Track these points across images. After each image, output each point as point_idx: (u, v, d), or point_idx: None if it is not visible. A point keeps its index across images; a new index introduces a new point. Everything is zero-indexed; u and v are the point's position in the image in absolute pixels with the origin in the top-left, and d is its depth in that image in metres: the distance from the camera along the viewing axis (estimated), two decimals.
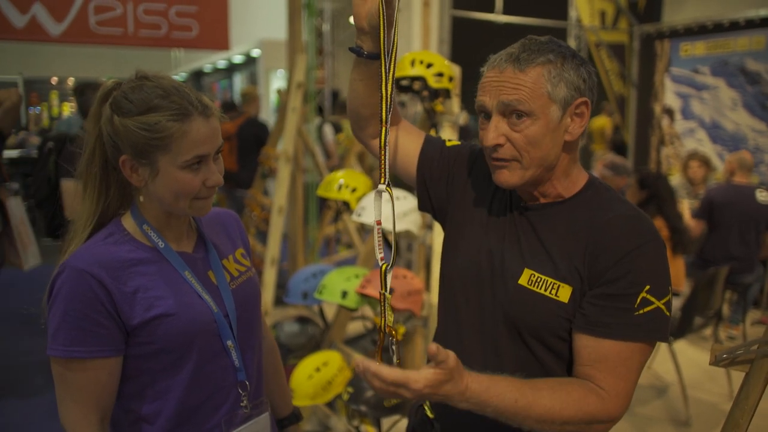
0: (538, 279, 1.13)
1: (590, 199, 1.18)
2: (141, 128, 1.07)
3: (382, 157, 1.09)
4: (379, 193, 1.10)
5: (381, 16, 1.09)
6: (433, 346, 0.97)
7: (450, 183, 1.33)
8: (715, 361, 1.37)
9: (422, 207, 1.41)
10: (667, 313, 1.10)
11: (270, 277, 3.73)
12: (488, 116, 1.14)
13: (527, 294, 1.14)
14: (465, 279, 1.24)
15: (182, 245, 1.22)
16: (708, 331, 4.27)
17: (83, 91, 3.60)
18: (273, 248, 3.76)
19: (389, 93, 1.09)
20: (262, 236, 4.06)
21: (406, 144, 1.37)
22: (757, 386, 1.25)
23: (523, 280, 1.15)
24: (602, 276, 1.09)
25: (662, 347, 3.87)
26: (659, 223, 3.59)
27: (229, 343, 1.20)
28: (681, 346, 4.09)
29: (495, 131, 1.12)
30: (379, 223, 1.11)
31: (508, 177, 1.15)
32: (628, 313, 1.07)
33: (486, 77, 1.14)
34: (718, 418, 2.88)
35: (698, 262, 4.36)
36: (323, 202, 4.73)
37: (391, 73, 1.10)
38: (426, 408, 1.30)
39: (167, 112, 1.08)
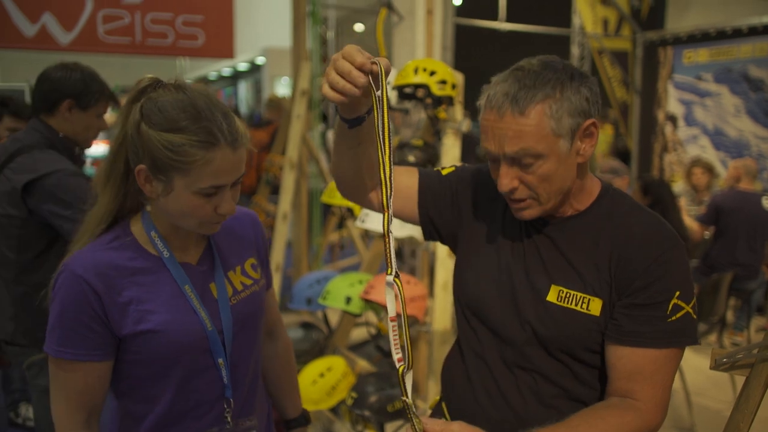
0: (568, 294, 1.12)
1: (608, 208, 1.17)
2: (164, 146, 1.03)
3: (387, 243, 0.97)
4: (390, 285, 0.97)
5: (375, 95, 0.97)
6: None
7: (456, 207, 1.30)
8: (715, 366, 1.38)
9: (428, 237, 1.36)
10: (695, 316, 1.10)
11: (274, 283, 3.75)
12: (495, 159, 1.12)
13: (558, 311, 1.13)
14: (485, 300, 1.21)
15: (188, 255, 1.19)
16: (712, 338, 4.26)
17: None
18: (277, 255, 3.78)
19: (388, 170, 0.96)
20: None
21: (403, 185, 1.30)
22: (757, 390, 1.26)
23: (551, 297, 1.13)
24: (631, 285, 1.09)
25: None
26: None
27: (220, 360, 1.18)
28: (685, 352, 4.07)
29: (507, 177, 1.10)
30: (393, 319, 0.98)
31: (528, 213, 1.14)
32: (661, 321, 1.07)
33: (485, 119, 1.10)
34: (722, 424, 2.87)
35: (702, 269, 4.36)
36: (327, 209, 4.75)
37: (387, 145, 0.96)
38: None
39: (194, 137, 1.03)
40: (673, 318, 1.08)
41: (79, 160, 2.04)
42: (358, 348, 3.76)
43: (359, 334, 3.70)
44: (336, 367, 2.71)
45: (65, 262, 1.11)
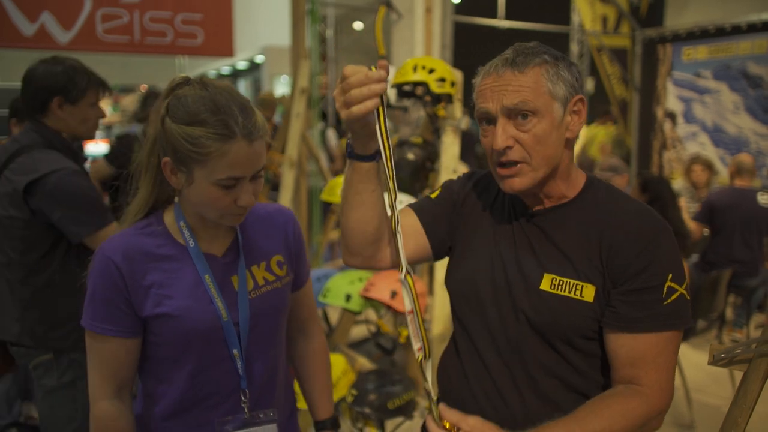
0: (561, 282, 1.14)
1: (594, 197, 1.20)
2: (184, 138, 1.10)
3: (397, 243, 1.12)
4: (403, 282, 1.11)
5: (381, 122, 1.05)
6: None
7: (453, 217, 1.32)
8: (713, 361, 1.39)
9: (440, 257, 1.35)
10: (688, 297, 1.13)
11: None
12: (491, 122, 1.14)
13: (552, 298, 1.14)
14: (479, 293, 1.23)
15: (213, 247, 1.24)
16: (711, 335, 4.27)
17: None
18: None
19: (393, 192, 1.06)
20: None
21: (407, 224, 1.28)
22: (755, 385, 1.27)
23: (545, 285, 1.15)
24: (624, 271, 1.10)
25: None
26: None
27: (235, 351, 1.22)
28: (684, 349, 4.09)
29: (503, 134, 1.12)
30: (410, 312, 1.10)
31: (518, 183, 1.15)
32: (657, 305, 1.09)
33: (483, 84, 1.15)
34: (721, 420, 2.88)
35: (701, 265, 4.37)
36: (327, 207, 4.75)
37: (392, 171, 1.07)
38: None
39: (211, 129, 1.09)
40: (669, 300, 1.09)
41: (80, 157, 2.03)
42: (358, 346, 3.76)
43: (359, 331, 3.71)
44: (336, 364, 2.72)
45: (102, 245, 1.19)
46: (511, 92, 1.11)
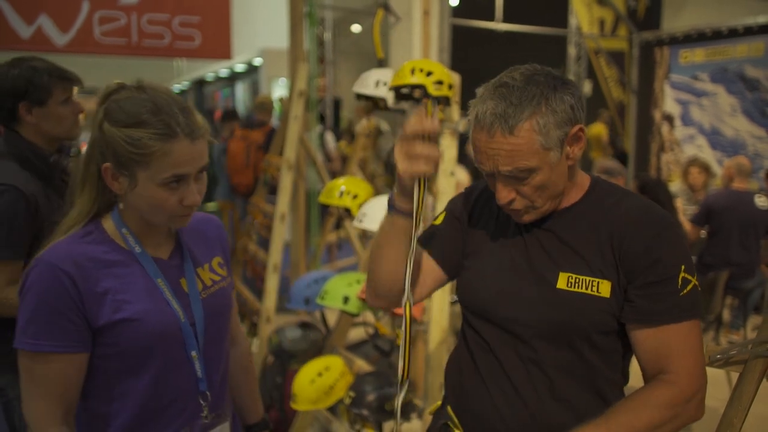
0: (577, 279, 1.16)
1: (600, 196, 1.22)
2: (125, 141, 1.09)
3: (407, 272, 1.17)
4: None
5: (420, 191, 1.13)
6: None
7: (461, 235, 1.33)
8: (710, 362, 1.39)
9: (456, 277, 1.38)
10: (699, 289, 1.15)
11: (272, 283, 3.76)
12: (491, 175, 1.17)
13: (570, 296, 1.15)
14: (493, 301, 1.23)
15: (159, 251, 1.23)
16: (709, 336, 4.28)
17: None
18: (275, 255, 3.78)
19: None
20: (264, 243, 4.09)
21: (425, 268, 1.33)
22: (750, 386, 1.27)
23: (562, 284, 1.16)
24: (637, 265, 1.12)
25: None
26: None
27: (194, 353, 1.21)
28: None
29: (504, 191, 1.16)
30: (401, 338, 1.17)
31: (527, 218, 1.20)
32: (675, 296, 1.11)
33: (476, 139, 1.14)
34: (718, 422, 2.88)
35: (698, 267, 4.38)
36: (325, 210, 4.75)
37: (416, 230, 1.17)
38: (451, 425, 1.30)
39: (152, 130, 1.09)
40: (685, 292, 1.11)
41: (54, 172, 1.87)
42: (356, 348, 3.76)
43: (357, 334, 3.71)
44: (334, 366, 2.72)
45: (37, 258, 1.13)
46: (505, 157, 1.11)
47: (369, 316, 2.83)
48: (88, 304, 1.11)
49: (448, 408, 1.32)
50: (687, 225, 4.39)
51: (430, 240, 1.36)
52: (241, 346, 1.48)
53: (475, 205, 1.34)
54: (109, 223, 1.20)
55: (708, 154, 6.34)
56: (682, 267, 1.12)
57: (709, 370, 1.37)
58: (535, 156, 1.10)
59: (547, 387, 1.19)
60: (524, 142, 1.09)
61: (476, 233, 1.31)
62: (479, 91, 1.16)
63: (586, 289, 1.15)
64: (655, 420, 1.09)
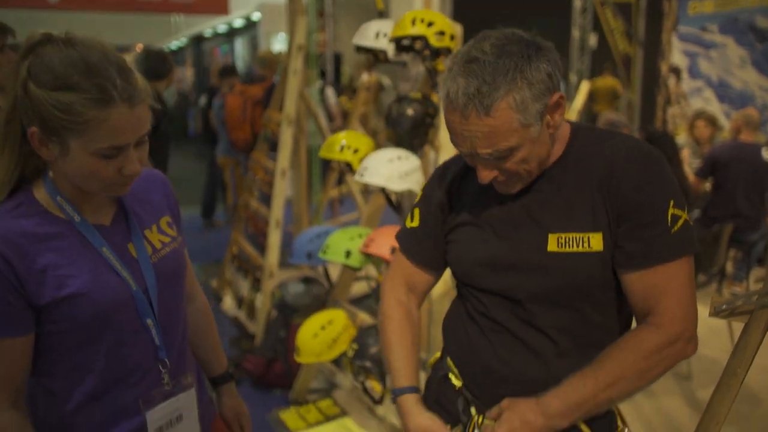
0: (567, 238, 1.12)
1: (582, 144, 1.17)
2: (54, 105, 0.96)
3: None
4: None
5: None
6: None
7: (442, 222, 1.30)
8: (714, 313, 1.38)
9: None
10: (691, 223, 1.11)
11: (274, 238, 3.76)
12: (470, 155, 1.12)
13: (562, 258, 1.12)
14: (483, 272, 1.21)
15: (100, 217, 1.14)
16: (712, 289, 4.29)
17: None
18: (276, 210, 3.77)
19: None
20: (266, 199, 4.07)
21: (417, 279, 1.36)
22: (755, 337, 1.26)
23: (552, 246, 1.13)
24: (625, 206, 1.08)
25: None
26: None
27: (149, 321, 1.15)
28: None
29: (485, 171, 1.12)
30: None
31: (513, 189, 1.16)
32: (665, 234, 1.07)
33: (450, 120, 1.08)
34: (719, 371, 2.93)
35: (703, 220, 4.36)
36: (327, 165, 4.71)
37: None
38: (452, 377, 1.30)
39: (85, 95, 0.96)
40: (675, 228, 1.07)
41: None
42: (358, 302, 3.79)
43: (360, 287, 3.73)
44: (337, 320, 2.73)
45: None
46: (482, 139, 1.05)
47: (371, 270, 2.83)
48: (27, 284, 1.02)
49: (448, 359, 1.32)
50: (691, 177, 4.35)
51: (409, 248, 1.34)
52: (198, 302, 1.44)
53: (452, 184, 1.29)
54: (41, 192, 1.09)
55: (715, 107, 6.25)
56: (671, 203, 1.07)
57: (711, 321, 1.36)
58: (514, 135, 1.05)
59: (550, 347, 1.17)
60: (502, 122, 1.03)
61: (459, 208, 1.27)
62: (447, 64, 1.08)
63: (578, 246, 1.11)
64: (642, 366, 1.08)
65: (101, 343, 1.10)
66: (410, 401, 1.22)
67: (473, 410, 1.21)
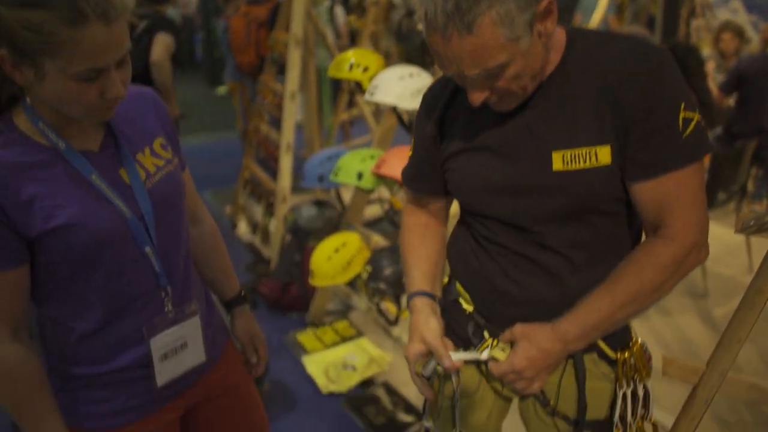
0: (572, 155, 1.05)
1: (582, 49, 1.08)
2: (22, 25, 0.89)
3: None
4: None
5: None
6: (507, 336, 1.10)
7: (438, 147, 1.23)
8: (742, 228, 1.34)
9: None
10: (703, 123, 1.04)
11: (286, 163, 3.71)
12: (459, 76, 1.03)
13: (568, 176, 1.05)
14: (487, 199, 1.15)
15: (87, 143, 1.07)
16: (731, 207, 4.23)
17: None
18: (287, 134, 3.71)
19: None
20: (276, 123, 4.00)
21: (429, 209, 1.34)
22: None
23: (557, 165, 1.06)
24: (633, 114, 1.01)
25: None
26: None
27: (147, 249, 1.11)
28: None
29: (476, 93, 1.04)
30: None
31: (508, 106, 1.08)
32: (678, 139, 1.01)
33: (432, 41, 1.00)
34: (736, 289, 2.90)
35: (725, 137, 4.23)
36: (338, 86, 4.60)
37: None
38: (462, 302, 1.27)
39: (55, 12, 0.88)
40: (687, 132, 1.01)
41: None
42: (372, 224, 3.78)
43: (373, 211, 3.71)
44: (350, 242, 2.72)
45: None
46: (468, 60, 0.97)
47: (384, 192, 2.80)
48: (15, 216, 0.98)
49: (457, 284, 1.29)
50: (715, 92, 4.19)
51: (410, 181, 1.32)
52: (205, 224, 1.39)
53: (446, 109, 1.21)
54: (21, 118, 1.02)
55: (743, 19, 5.95)
56: (681, 105, 1.00)
57: (728, 239, 1.31)
58: (502, 51, 0.96)
59: (563, 264, 1.13)
60: (486, 39, 0.94)
61: (451, 136, 1.20)
62: None
63: (585, 162, 1.04)
64: (658, 279, 1.04)
65: (99, 273, 1.07)
66: (420, 303, 1.19)
67: (486, 333, 1.19)
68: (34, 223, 0.99)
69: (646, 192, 1.04)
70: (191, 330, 1.23)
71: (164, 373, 1.19)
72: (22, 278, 1.04)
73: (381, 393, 2.65)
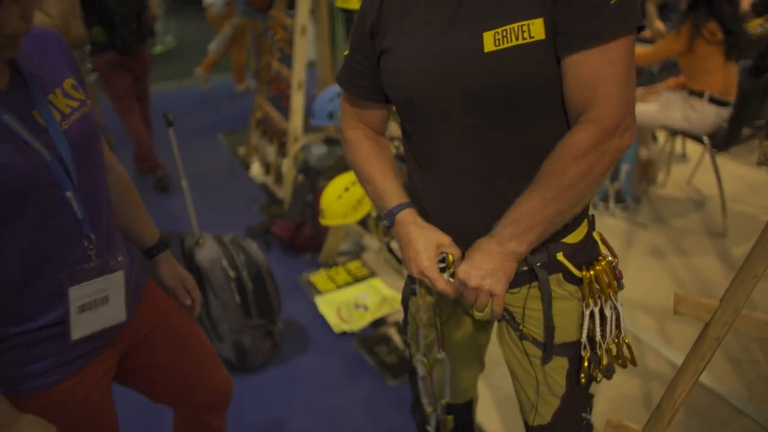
0: (504, 32, 0.99)
1: None
2: None
3: None
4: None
5: None
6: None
7: (373, 39, 1.17)
8: (765, 160, 1.28)
9: None
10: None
11: (298, 101, 3.65)
12: None
13: (501, 55, 0.99)
14: (420, 90, 1.09)
15: None
16: (753, 144, 4.10)
17: None
18: (298, 71, 3.63)
19: None
20: (288, 60, 3.90)
21: (366, 114, 1.27)
22: None
23: (489, 46, 1.00)
24: None
25: (705, 162, 3.75)
26: (713, 27, 3.26)
27: (69, 194, 1.05)
28: (723, 159, 3.96)
29: None
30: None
31: None
32: (604, 8, 0.95)
33: None
34: (755, 228, 2.84)
35: (753, 71, 4.05)
36: (349, 22, 4.42)
37: None
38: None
39: None
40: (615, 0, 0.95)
41: None
42: None
43: None
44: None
45: None
46: None
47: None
48: None
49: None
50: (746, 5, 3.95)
51: (346, 80, 1.25)
52: (116, 172, 1.33)
53: (381, 3, 1.14)
54: None
55: None
56: None
57: (749, 177, 1.26)
58: None
59: (508, 185, 1.09)
60: None
61: (389, 26, 1.13)
62: None
63: (517, 39, 0.98)
64: (583, 168, 0.99)
65: (20, 222, 1.00)
66: (411, 215, 1.15)
67: (450, 258, 1.13)
68: None
69: (572, 65, 0.98)
70: (114, 284, 1.18)
71: (81, 326, 1.13)
72: None
73: (393, 332, 2.67)
